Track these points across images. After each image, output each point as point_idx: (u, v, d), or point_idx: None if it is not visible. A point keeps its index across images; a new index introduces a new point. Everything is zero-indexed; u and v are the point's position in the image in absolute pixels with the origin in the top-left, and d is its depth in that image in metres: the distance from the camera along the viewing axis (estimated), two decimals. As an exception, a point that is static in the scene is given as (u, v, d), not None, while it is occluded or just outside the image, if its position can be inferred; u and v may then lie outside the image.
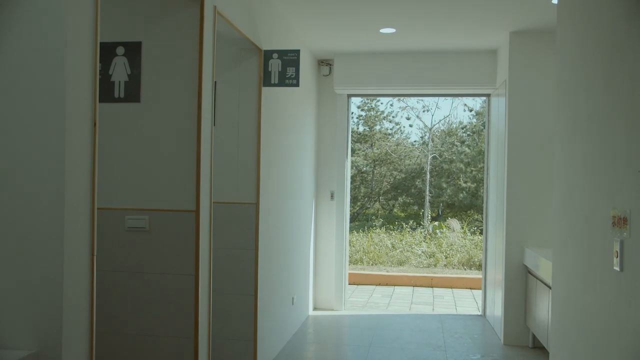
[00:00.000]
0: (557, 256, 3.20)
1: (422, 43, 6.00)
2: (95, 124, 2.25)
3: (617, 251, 2.27)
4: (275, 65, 4.32)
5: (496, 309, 5.93)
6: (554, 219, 3.25)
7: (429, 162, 16.80)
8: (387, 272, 9.72)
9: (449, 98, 16.43)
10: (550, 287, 4.24)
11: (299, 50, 4.32)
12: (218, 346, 4.05)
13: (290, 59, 4.30)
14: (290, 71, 4.31)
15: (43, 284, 2.07)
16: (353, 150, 17.36)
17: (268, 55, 4.32)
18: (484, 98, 6.73)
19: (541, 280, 4.88)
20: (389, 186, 17.98)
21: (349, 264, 10.51)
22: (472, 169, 16.42)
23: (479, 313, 6.83)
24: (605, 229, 2.40)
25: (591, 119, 2.64)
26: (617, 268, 2.27)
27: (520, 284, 5.50)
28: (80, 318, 2.20)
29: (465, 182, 16.46)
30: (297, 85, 4.32)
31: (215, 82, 3.67)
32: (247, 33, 4.01)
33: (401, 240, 12.62)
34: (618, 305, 2.27)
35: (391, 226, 14.74)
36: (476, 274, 9.62)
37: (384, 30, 5.50)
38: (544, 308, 4.72)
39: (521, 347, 5.42)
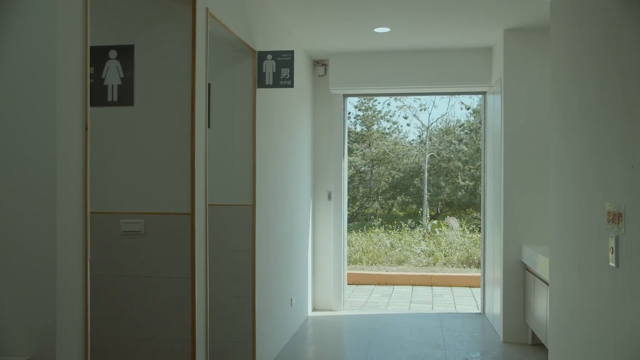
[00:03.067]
0: (553, 253, 3.19)
1: (417, 42, 5.99)
2: (86, 128, 2.25)
3: (612, 247, 2.26)
4: (269, 66, 4.31)
5: (495, 307, 5.92)
6: (551, 216, 3.25)
7: (426, 161, 16.81)
8: (387, 271, 9.71)
9: (445, 96, 16.43)
10: (548, 284, 4.23)
11: (293, 51, 4.31)
12: (216, 349, 4.04)
13: (285, 59, 4.30)
14: (285, 72, 4.30)
15: (36, 289, 2.07)
16: (351, 150, 17.34)
17: (262, 56, 4.32)
18: (480, 96, 6.72)
19: (539, 277, 4.88)
20: (387, 185, 17.97)
21: (348, 264, 10.52)
22: (470, 167, 16.42)
23: (479, 311, 6.83)
24: (601, 225, 2.40)
25: (585, 115, 2.64)
26: (612, 264, 2.27)
27: (518, 281, 5.50)
28: (74, 323, 2.19)
29: (464, 180, 16.46)
30: (291, 86, 4.32)
31: (209, 84, 3.66)
32: (241, 34, 4.00)
33: (400, 240, 12.61)
34: (614, 301, 2.27)
35: (390, 225, 14.73)
36: (475, 272, 9.62)
37: (378, 30, 5.50)
38: (542, 305, 4.72)
39: (520, 345, 5.42)
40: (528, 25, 5.33)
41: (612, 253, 2.26)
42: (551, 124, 3.23)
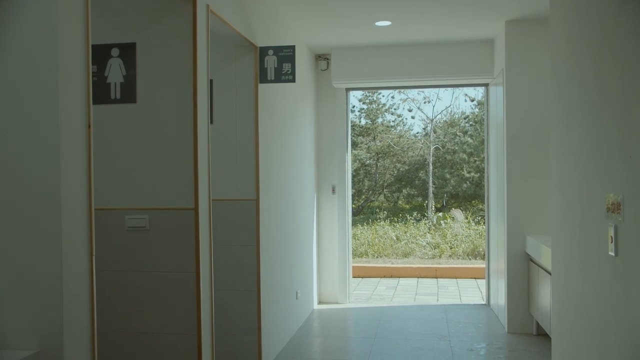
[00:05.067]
0: (555, 243, 3.21)
1: (418, 35, 6.00)
2: (89, 126, 2.28)
3: (611, 236, 2.28)
4: (271, 61, 4.33)
5: (500, 298, 5.94)
6: (552, 206, 3.26)
7: (431, 154, 16.79)
8: (392, 264, 9.74)
9: (449, 89, 16.40)
10: (551, 274, 4.25)
11: (294, 46, 4.33)
12: (222, 342, 4.08)
13: (286, 55, 4.32)
14: (287, 67, 4.32)
15: (43, 284, 2.11)
16: (356, 144, 17.34)
17: (264, 51, 4.34)
18: (483, 87, 6.72)
19: (543, 267, 4.90)
20: (392, 178, 17.97)
21: (354, 257, 10.55)
22: (475, 158, 16.39)
23: (483, 302, 6.85)
24: (600, 215, 2.42)
25: (584, 106, 2.65)
26: (612, 253, 2.28)
27: (522, 272, 5.52)
28: (81, 317, 2.23)
29: (469, 172, 16.44)
30: (293, 81, 4.34)
31: (211, 80, 3.69)
32: (242, 30, 4.02)
33: (406, 232, 12.63)
34: (614, 290, 2.29)
35: (395, 218, 14.75)
36: (481, 264, 9.63)
37: (379, 23, 5.50)
38: (546, 295, 4.74)
39: (525, 335, 5.44)
40: (529, 16, 5.33)
41: (612, 242, 2.28)
42: (551, 116, 3.24)
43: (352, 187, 12.15)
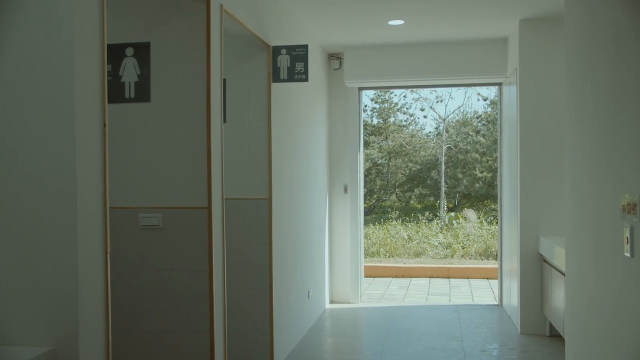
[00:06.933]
0: (569, 243, 3.19)
1: (431, 34, 5.98)
2: (104, 125, 2.30)
3: (627, 237, 2.26)
4: (284, 61, 4.34)
5: (512, 298, 5.91)
6: (566, 207, 3.24)
7: (443, 153, 16.73)
8: (404, 264, 9.72)
9: (462, 88, 16.33)
10: (564, 275, 4.22)
11: (307, 46, 4.33)
12: (234, 341, 4.10)
13: (299, 54, 4.32)
14: (299, 66, 4.33)
15: (58, 282, 2.13)
16: (368, 143, 17.33)
17: (276, 51, 4.35)
18: (497, 87, 6.68)
19: (556, 268, 4.87)
20: (404, 178, 17.94)
21: (366, 257, 10.54)
22: (488, 158, 16.32)
23: (496, 303, 6.82)
24: (615, 215, 2.40)
25: (598, 105, 2.63)
26: (627, 254, 2.26)
27: (535, 272, 5.48)
28: (96, 315, 2.25)
29: (481, 172, 16.37)
30: (306, 80, 4.35)
31: (224, 79, 3.70)
32: (255, 30, 4.03)
33: (418, 232, 12.60)
34: (628, 291, 2.27)
35: (407, 218, 14.71)
36: (493, 264, 9.58)
37: (392, 22, 5.49)
38: (559, 296, 4.71)
39: (538, 336, 5.41)
40: (543, 15, 5.29)
41: (627, 243, 2.26)
42: (565, 115, 3.22)
43: (364, 187, 12.14)
